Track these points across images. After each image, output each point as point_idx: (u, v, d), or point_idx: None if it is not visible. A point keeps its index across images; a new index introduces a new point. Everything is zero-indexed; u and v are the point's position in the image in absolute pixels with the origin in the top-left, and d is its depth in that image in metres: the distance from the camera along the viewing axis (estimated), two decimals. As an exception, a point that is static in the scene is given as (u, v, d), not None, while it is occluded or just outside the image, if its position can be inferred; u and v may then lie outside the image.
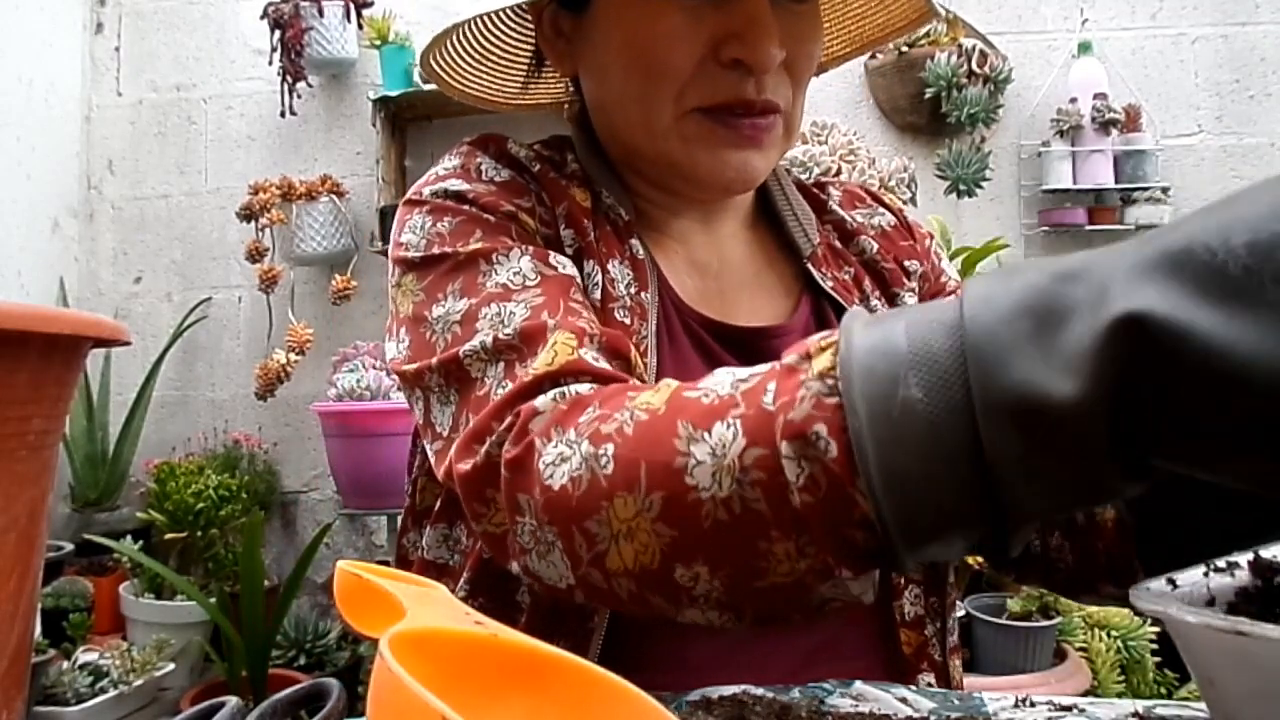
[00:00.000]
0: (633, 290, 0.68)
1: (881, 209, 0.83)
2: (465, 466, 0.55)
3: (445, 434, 0.59)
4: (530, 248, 0.64)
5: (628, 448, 0.47)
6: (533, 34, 0.79)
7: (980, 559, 1.97)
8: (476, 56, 0.82)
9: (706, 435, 0.44)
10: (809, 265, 0.76)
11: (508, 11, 0.79)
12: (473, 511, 0.55)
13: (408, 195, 0.69)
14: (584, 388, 0.54)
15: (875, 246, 0.79)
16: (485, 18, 0.78)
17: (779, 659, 0.65)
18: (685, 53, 0.65)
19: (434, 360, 0.60)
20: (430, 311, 0.62)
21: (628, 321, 0.66)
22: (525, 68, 0.83)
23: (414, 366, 0.61)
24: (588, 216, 0.69)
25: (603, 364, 0.56)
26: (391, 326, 0.65)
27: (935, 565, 0.70)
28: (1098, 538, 0.64)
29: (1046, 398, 0.34)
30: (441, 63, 0.79)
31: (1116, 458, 0.34)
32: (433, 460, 0.61)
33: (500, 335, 0.58)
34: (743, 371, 0.46)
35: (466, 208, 0.66)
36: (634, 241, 0.71)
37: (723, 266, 0.75)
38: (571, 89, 0.81)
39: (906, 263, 0.79)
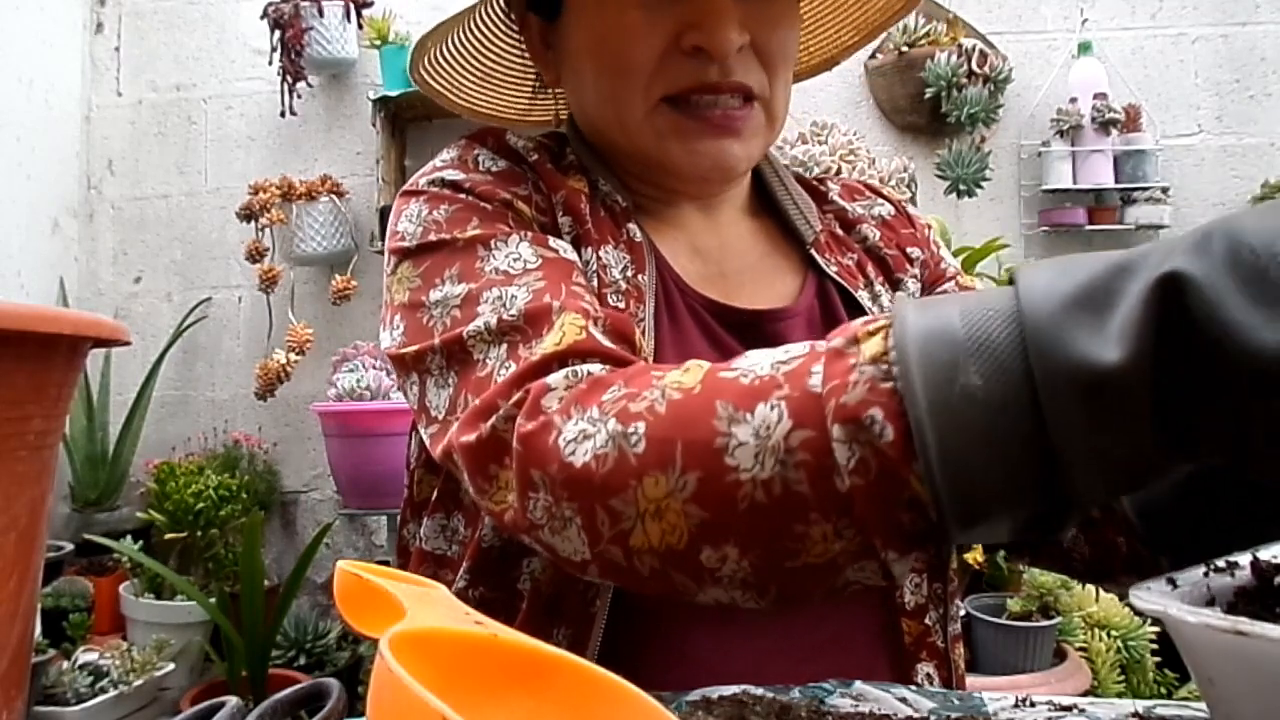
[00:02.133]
0: (629, 274, 0.68)
1: (881, 200, 0.84)
2: (469, 440, 0.54)
3: (442, 416, 0.59)
4: (528, 233, 0.64)
5: (662, 426, 0.46)
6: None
7: (981, 559, 1.97)
8: (480, 74, 0.83)
9: (749, 416, 0.44)
10: (812, 251, 0.76)
11: (507, 29, 0.80)
12: (476, 486, 0.55)
13: (404, 187, 0.70)
14: (596, 368, 0.53)
15: (877, 234, 0.80)
16: (485, 37, 0.79)
17: (781, 651, 0.65)
18: (648, 45, 0.66)
19: (436, 341, 0.59)
20: (427, 296, 0.62)
21: (622, 305, 0.66)
22: (531, 84, 0.84)
23: (413, 349, 0.61)
24: (585, 202, 0.70)
25: (610, 345, 0.56)
26: (386, 316, 0.65)
27: (938, 550, 0.70)
28: (1115, 531, 0.64)
29: (1099, 366, 0.35)
30: (442, 79, 0.81)
31: (1162, 427, 0.35)
32: (428, 443, 0.61)
33: (504, 317, 0.57)
34: (779, 353, 0.46)
35: (463, 196, 0.66)
36: (631, 225, 0.71)
37: (725, 251, 0.76)
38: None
39: (909, 250, 0.80)
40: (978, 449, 0.37)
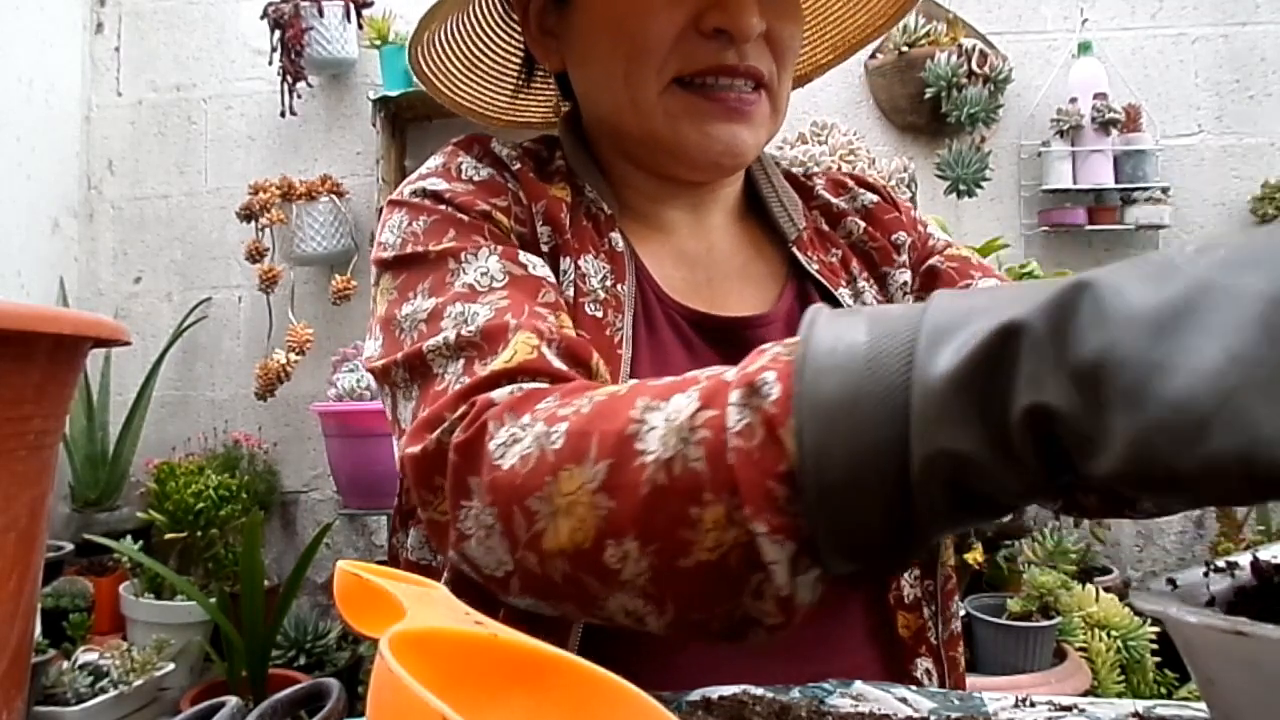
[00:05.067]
0: (608, 284, 0.68)
1: (863, 190, 0.84)
2: (415, 451, 0.55)
3: (407, 428, 0.60)
4: (500, 247, 0.64)
5: (582, 422, 0.48)
6: (521, 45, 0.80)
7: (980, 559, 1.97)
8: (467, 65, 0.83)
9: (664, 404, 0.46)
10: (794, 250, 0.76)
11: (497, 19, 0.79)
12: (421, 499, 0.56)
13: (390, 196, 0.71)
14: (541, 385, 0.54)
15: (862, 227, 0.80)
16: (474, 27, 0.79)
17: (770, 656, 0.65)
18: (666, 23, 0.66)
19: (399, 355, 0.60)
20: (400, 310, 0.63)
21: (600, 315, 0.66)
22: (514, 80, 0.84)
23: (382, 363, 0.62)
24: (566, 211, 0.70)
25: (560, 365, 0.57)
26: (371, 326, 0.66)
27: (930, 546, 0.70)
28: None
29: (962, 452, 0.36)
30: (434, 69, 0.80)
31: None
32: (396, 454, 0.62)
33: (464, 333, 0.58)
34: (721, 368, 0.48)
35: (442, 207, 0.67)
36: (614, 235, 0.71)
37: (711, 257, 0.76)
38: (560, 93, 0.81)
39: (894, 236, 0.80)
40: (847, 392, 0.38)
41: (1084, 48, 2.48)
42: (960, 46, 2.36)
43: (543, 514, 0.47)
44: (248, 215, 2.59)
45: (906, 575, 0.69)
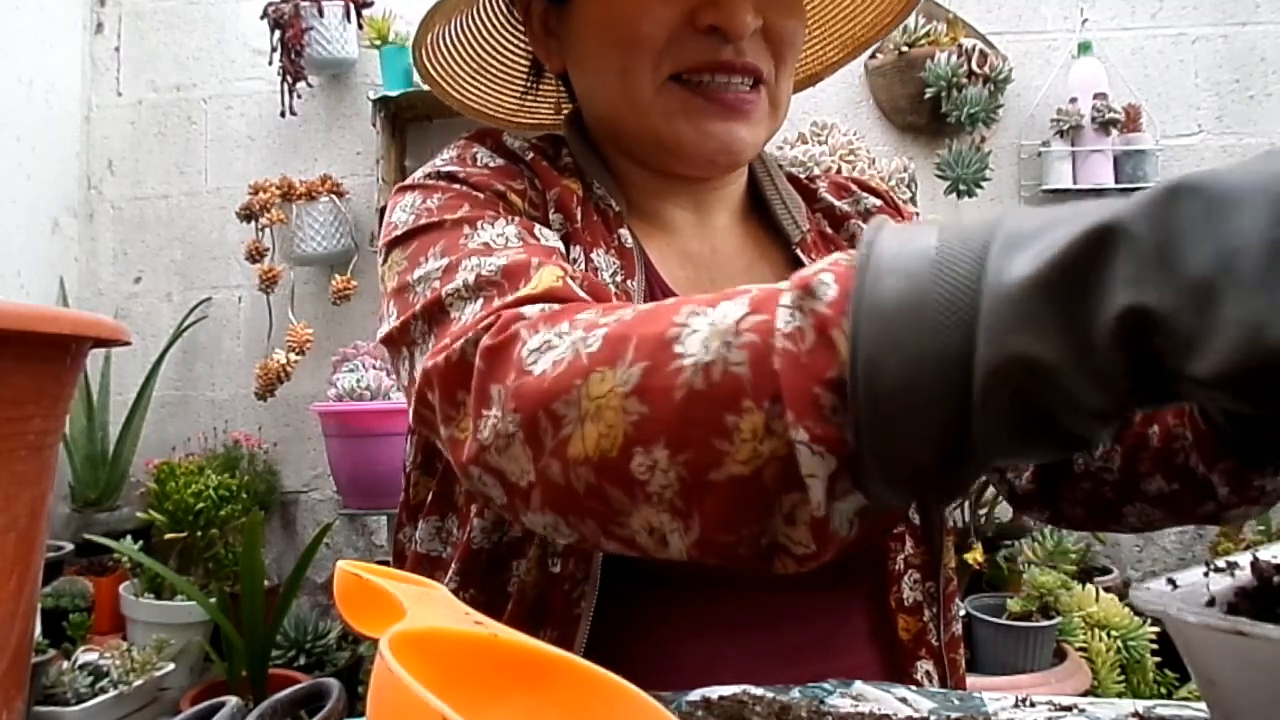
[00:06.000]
0: (618, 279, 0.68)
1: (866, 194, 0.84)
2: (438, 361, 0.52)
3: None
4: (516, 219, 0.64)
5: (622, 326, 0.45)
6: (528, 45, 0.81)
7: (980, 559, 1.97)
8: (476, 67, 0.83)
9: (710, 310, 0.43)
10: (798, 251, 0.76)
11: (505, 21, 0.80)
12: (443, 414, 0.53)
13: (398, 185, 0.70)
14: (578, 302, 0.52)
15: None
16: (483, 28, 0.79)
17: (771, 653, 0.65)
18: (661, 20, 0.66)
19: (418, 307, 0.58)
20: (412, 275, 0.61)
21: None
22: (523, 82, 0.84)
23: (400, 322, 0.60)
24: (578, 203, 0.70)
25: (586, 297, 0.55)
26: (382, 310, 0.65)
27: (931, 549, 0.70)
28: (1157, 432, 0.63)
29: (1041, 359, 0.33)
30: (440, 70, 0.81)
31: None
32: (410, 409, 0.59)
33: (482, 274, 0.56)
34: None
35: (456, 186, 0.66)
36: (623, 231, 0.71)
37: (715, 257, 0.76)
38: (565, 93, 0.82)
39: None
40: (910, 288, 0.36)
41: (1084, 48, 2.48)
42: (960, 46, 2.36)
43: (570, 419, 0.44)
44: (248, 215, 2.59)
45: (907, 578, 0.69)
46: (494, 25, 0.81)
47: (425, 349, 0.57)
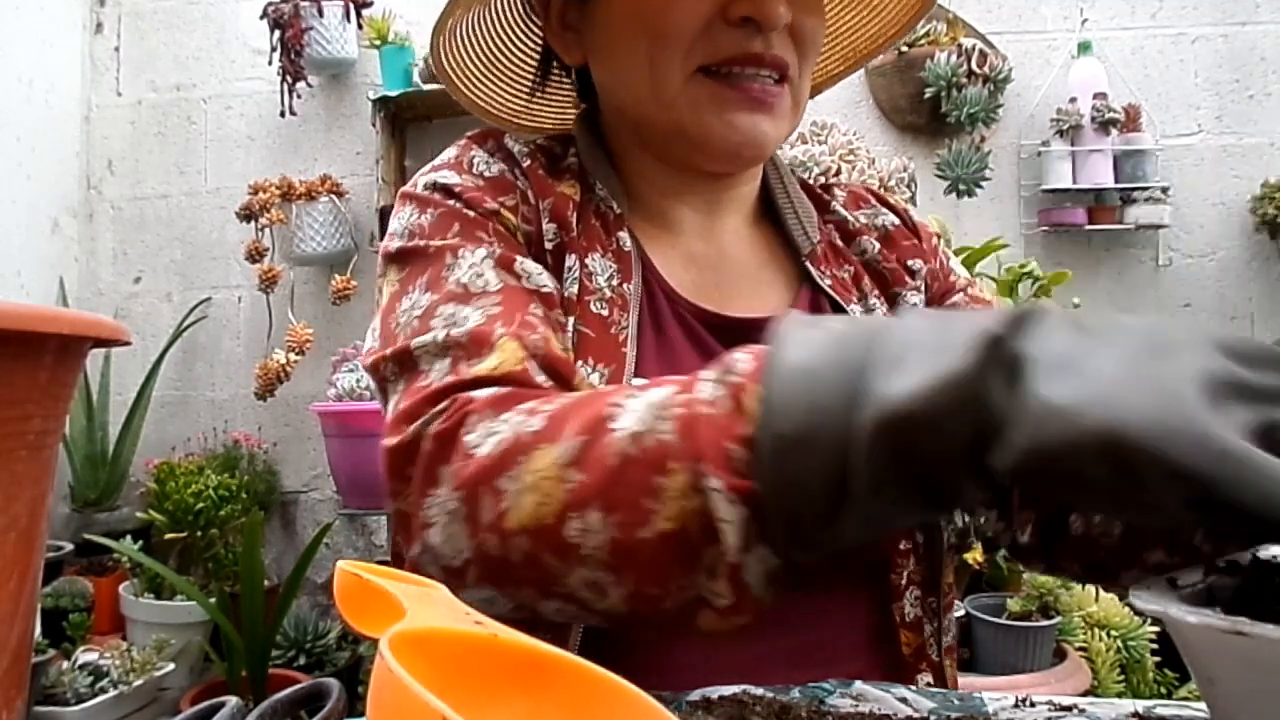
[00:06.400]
0: (615, 282, 0.68)
1: (885, 209, 0.83)
2: (391, 442, 0.56)
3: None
4: (499, 250, 0.65)
5: (562, 409, 0.50)
6: (537, 46, 0.80)
7: (981, 559, 1.97)
8: (484, 65, 0.83)
9: (643, 393, 0.48)
10: (807, 263, 0.76)
11: (513, 19, 0.79)
12: (393, 489, 0.57)
13: (403, 188, 0.71)
14: (526, 390, 0.56)
15: (877, 247, 0.79)
16: (490, 26, 0.79)
17: (769, 660, 0.64)
18: (692, 11, 0.66)
19: (389, 350, 0.62)
20: (399, 304, 0.64)
21: (605, 313, 0.67)
22: (528, 82, 0.84)
23: (373, 359, 0.63)
24: (574, 209, 0.70)
25: (544, 380, 0.58)
26: (375, 318, 0.67)
27: (932, 565, 0.70)
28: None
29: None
30: (452, 66, 0.80)
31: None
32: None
33: (452, 334, 0.59)
34: None
35: (450, 202, 0.67)
36: (622, 234, 0.71)
37: (721, 260, 0.75)
38: (577, 91, 0.81)
39: (910, 262, 0.79)
40: (818, 359, 0.42)
41: (1084, 47, 2.48)
42: (960, 46, 2.36)
43: (510, 492, 0.48)
44: (248, 215, 2.59)
45: (909, 594, 0.69)
46: (504, 21, 0.80)
47: (396, 389, 0.61)
